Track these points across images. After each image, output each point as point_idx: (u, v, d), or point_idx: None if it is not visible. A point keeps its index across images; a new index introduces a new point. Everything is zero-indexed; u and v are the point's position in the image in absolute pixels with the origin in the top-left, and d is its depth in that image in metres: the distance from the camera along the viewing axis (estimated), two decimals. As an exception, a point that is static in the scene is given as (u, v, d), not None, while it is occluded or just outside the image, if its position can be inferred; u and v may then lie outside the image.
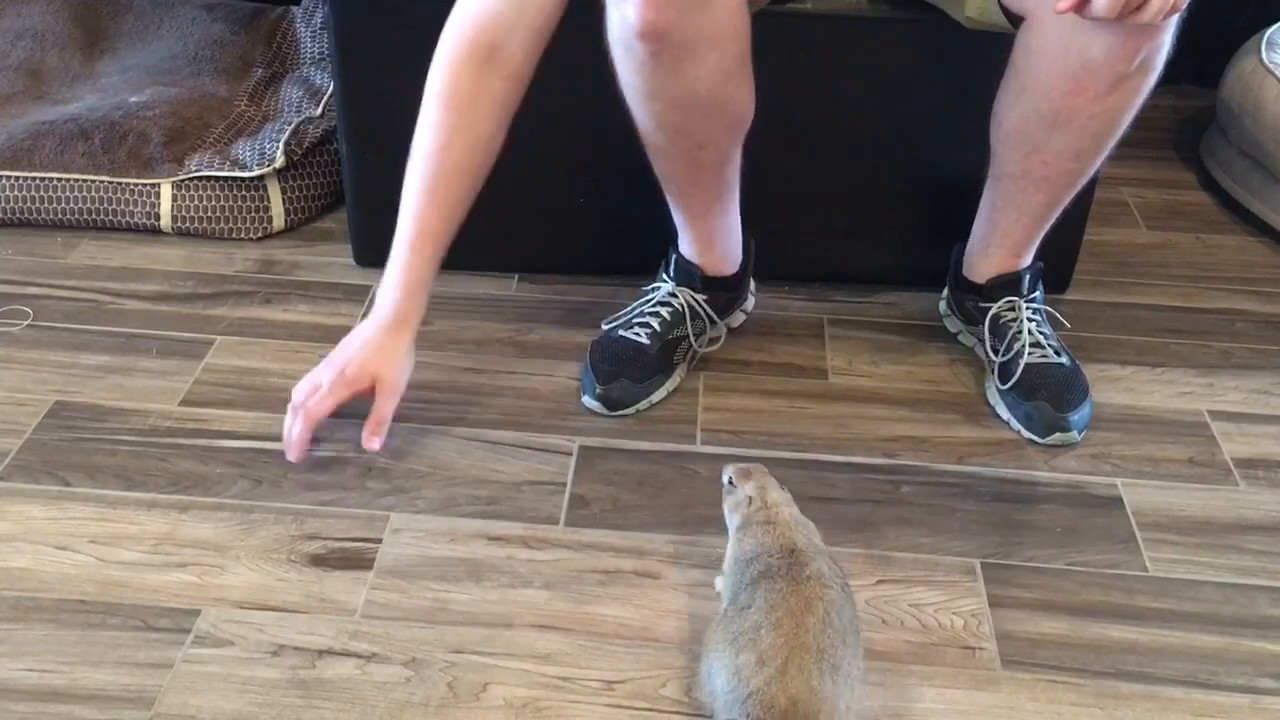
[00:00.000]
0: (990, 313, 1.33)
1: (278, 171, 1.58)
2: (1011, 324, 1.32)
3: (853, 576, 1.10)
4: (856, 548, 1.14)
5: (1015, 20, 1.16)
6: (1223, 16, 1.99)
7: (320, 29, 1.90)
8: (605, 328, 1.36)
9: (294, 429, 1.17)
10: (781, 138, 1.40)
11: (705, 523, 1.16)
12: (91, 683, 0.97)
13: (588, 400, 1.30)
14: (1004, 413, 1.30)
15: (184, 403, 1.29)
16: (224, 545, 1.11)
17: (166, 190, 1.57)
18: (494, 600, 1.07)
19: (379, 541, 1.12)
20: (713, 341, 1.38)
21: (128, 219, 1.58)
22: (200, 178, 1.57)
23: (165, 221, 1.57)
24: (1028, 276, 1.32)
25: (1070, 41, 1.07)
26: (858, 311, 1.48)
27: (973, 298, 1.36)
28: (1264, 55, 1.69)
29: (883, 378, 1.37)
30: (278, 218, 1.60)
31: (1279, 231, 1.65)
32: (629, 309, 1.36)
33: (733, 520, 1.03)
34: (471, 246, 1.54)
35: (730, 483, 1.04)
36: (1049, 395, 1.27)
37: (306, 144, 1.61)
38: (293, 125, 1.63)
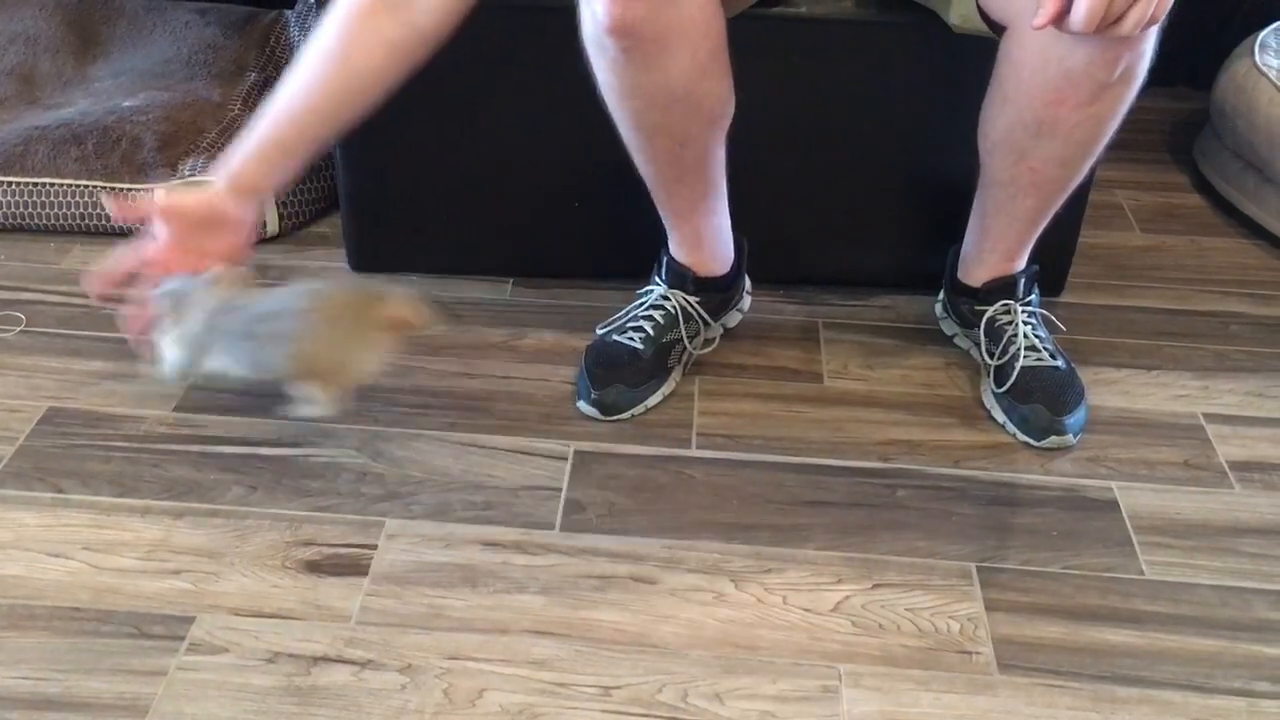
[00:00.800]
0: (985, 316, 1.33)
1: (271, 176, 1.57)
2: (1007, 327, 1.32)
3: (849, 581, 1.10)
4: (853, 552, 1.14)
5: (997, 29, 1.16)
6: (1216, 19, 1.99)
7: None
8: (599, 332, 1.36)
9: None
10: (776, 141, 1.40)
11: (702, 527, 1.16)
12: (85, 691, 0.97)
13: (583, 405, 1.30)
14: (999, 416, 1.30)
15: (178, 409, 1.28)
16: (218, 552, 1.11)
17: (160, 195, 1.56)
18: (489, 606, 1.06)
19: (374, 547, 1.12)
20: (708, 343, 1.38)
21: (120, 224, 1.57)
22: (194, 183, 1.56)
23: (159, 226, 1.57)
24: (1023, 280, 1.32)
25: (1050, 51, 1.07)
26: (853, 315, 1.48)
27: (968, 301, 1.36)
28: (1257, 58, 1.69)
29: (878, 381, 1.37)
30: (271, 223, 1.59)
31: (1273, 234, 1.65)
32: (622, 313, 1.36)
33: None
34: (466, 250, 1.55)
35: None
36: (1044, 399, 1.27)
37: (300, 148, 1.61)
38: (286, 129, 1.62)
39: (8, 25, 1.91)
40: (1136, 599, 1.09)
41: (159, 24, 1.93)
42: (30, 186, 1.57)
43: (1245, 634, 1.06)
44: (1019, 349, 1.29)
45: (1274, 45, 1.72)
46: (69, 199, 1.57)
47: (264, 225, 1.59)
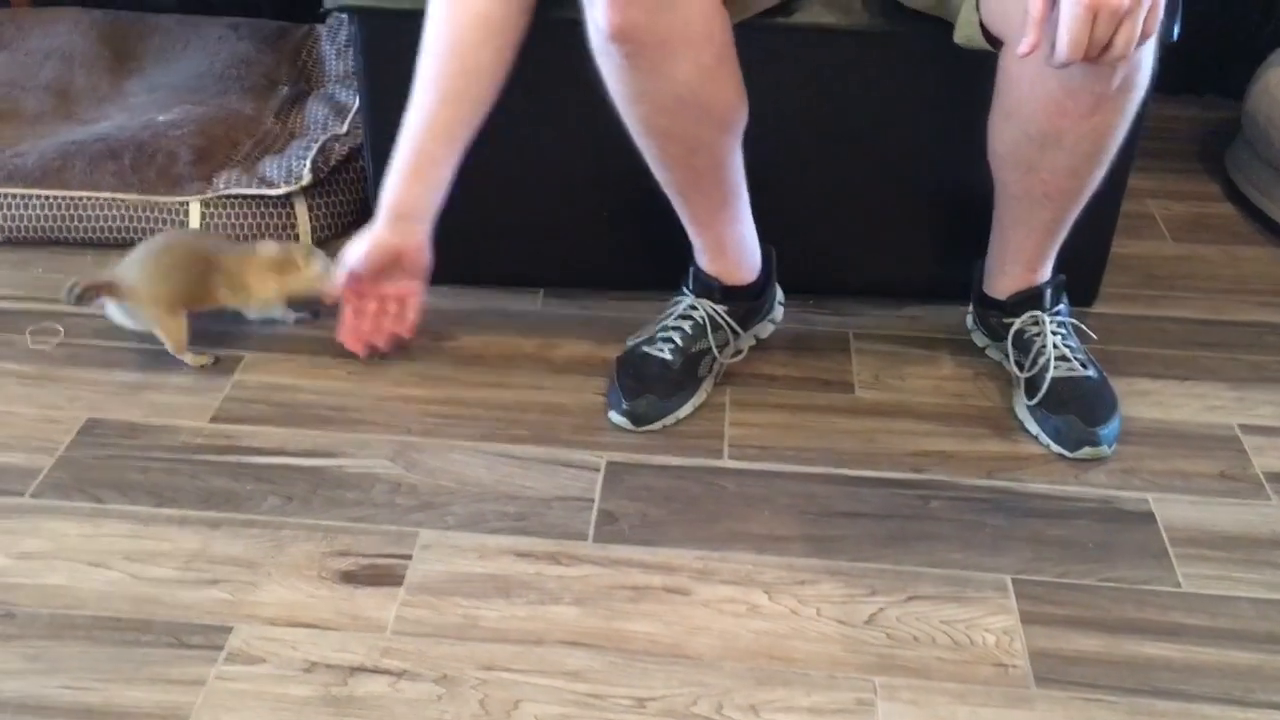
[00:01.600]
0: (1013, 328, 1.33)
1: (304, 189, 1.59)
2: (1036, 338, 1.31)
3: (883, 593, 1.10)
4: (886, 564, 1.13)
5: (996, 44, 1.15)
6: (1247, 27, 1.98)
7: (345, 46, 1.91)
8: (630, 343, 1.36)
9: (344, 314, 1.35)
10: (803, 151, 1.40)
11: (734, 538, 1.16)
12: (125, 700, 0.98)
13: (614, 416, 1.30)
14: (1032, 427, 1.29)
15: (214, 419, 1.29)
16: (255, 562, 1.12)
17: (195, 209, 1.58)
18: (524, 617, 1.07)
19: (409, 558, 1.12)
20: (738, 354, 1.38)
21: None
22: (228, 196, 1.58)
23: (193, 239, 1.58)
24: (1049, 290, 1.32)
25: (1047, 65, 1.07)
26: (883, 325, 1.48)
27: (996, 313, 1.36)
28: (1290, 66, 1.68)
29: (910, 392, 1.37)
30: (304, 235, 1.61)
31: (1307, 243, 1.64)
32: (652, 324, 1.36)
33: None
34: (497, 262, 1.55)
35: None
36: (1077, 409, 1.26)
37: (333, 161, 1.62)
38: (319, 143, 1.64)
39: (44, 42, 1.94)
40: (1174, 612, 1.08)
41: (193, 39, 1.96)
42: (68, 200, 1.59)
43: (1285, 647, 1.05)
44: (1049, 359, 1.29)
45: (1307, 53, 1.71)
46: (106, 213, 1.59)
47: (297, 237, 1.60)
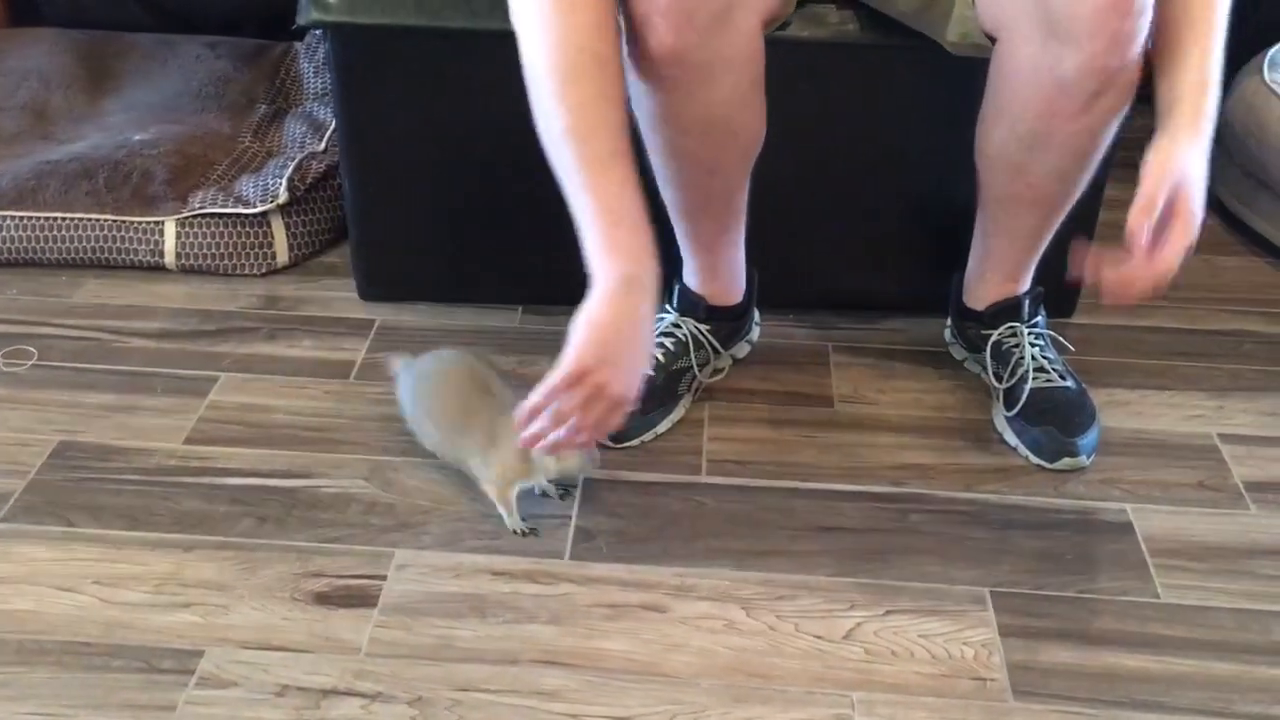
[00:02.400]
0: (992, 339, 1.33)
1: (281, 207, 1.58)
2: (1014, 350, 1.31)
3: (862, 607, 1.09)
4: (865, 578, 1.13)
5: (990, 39, 1.16)
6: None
7: (323, 64, 1.91)
8: (609, 359, 1.36)
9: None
10: (783, 166, 1.39)
11: (713, 555, 1.15)
12: (95, 726, 0.97)
13: (593, 432, 1.29)
14: (1011, 439, 1.29)
15: (188, 440, 1.28)
16: (228, 584, 1.10)
17: (170, 228, 1.57)
18: (499, 636, 1.06)
19: (383, 579, 1.11)
20: (717, 372, 1.38)
21: (132, 257, 1.58)
22: (204, 215, 1.58)
23: (170, 259, 1.58)
24: (1027, 302, 1.32)
25: (1041, 61, 1.07)
26: (863, 339, 1.48)
27: (974, 325, 1.36)
28: (1266, 75, 1.68)
29: (889, 405, 1.36)
30: (281, 253, 1.60)
31: (1286, 251, 1.64)
32: (633, 340, 1.36)
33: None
34: (474, 279, 1.55)
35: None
36: (1056, 420, 1.26)
37: (310, 179, 1.62)
38: (296, 161, 1.63)
39: (21, 62, 1.93)
40: (1153, 623, 1.08)
41: (170, 58, 1.95)
42: (42, 221, 1.58)
43: (1263, 658, 1.04)
44: (1027, 371, 1.29)
45: (1282, 62, 1.72)
46: (80, 233, 1.58)
47: (274, 256, 1.59)
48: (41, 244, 1.58)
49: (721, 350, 1.36)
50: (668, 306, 1.36)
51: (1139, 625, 1.08)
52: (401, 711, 0.98)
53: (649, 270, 1.01)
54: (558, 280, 1.54)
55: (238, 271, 1.59)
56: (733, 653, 1.05)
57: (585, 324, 1.00)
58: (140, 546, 1.14)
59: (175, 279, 1.58)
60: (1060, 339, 1.36)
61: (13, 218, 1.57)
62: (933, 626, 1.07)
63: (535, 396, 1.01)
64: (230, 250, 1.58)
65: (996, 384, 1.32)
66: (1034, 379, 1.28)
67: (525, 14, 1.00)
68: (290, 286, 1.58)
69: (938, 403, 1.37)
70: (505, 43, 1.04)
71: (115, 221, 1.57)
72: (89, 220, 1.58)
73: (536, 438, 1.03)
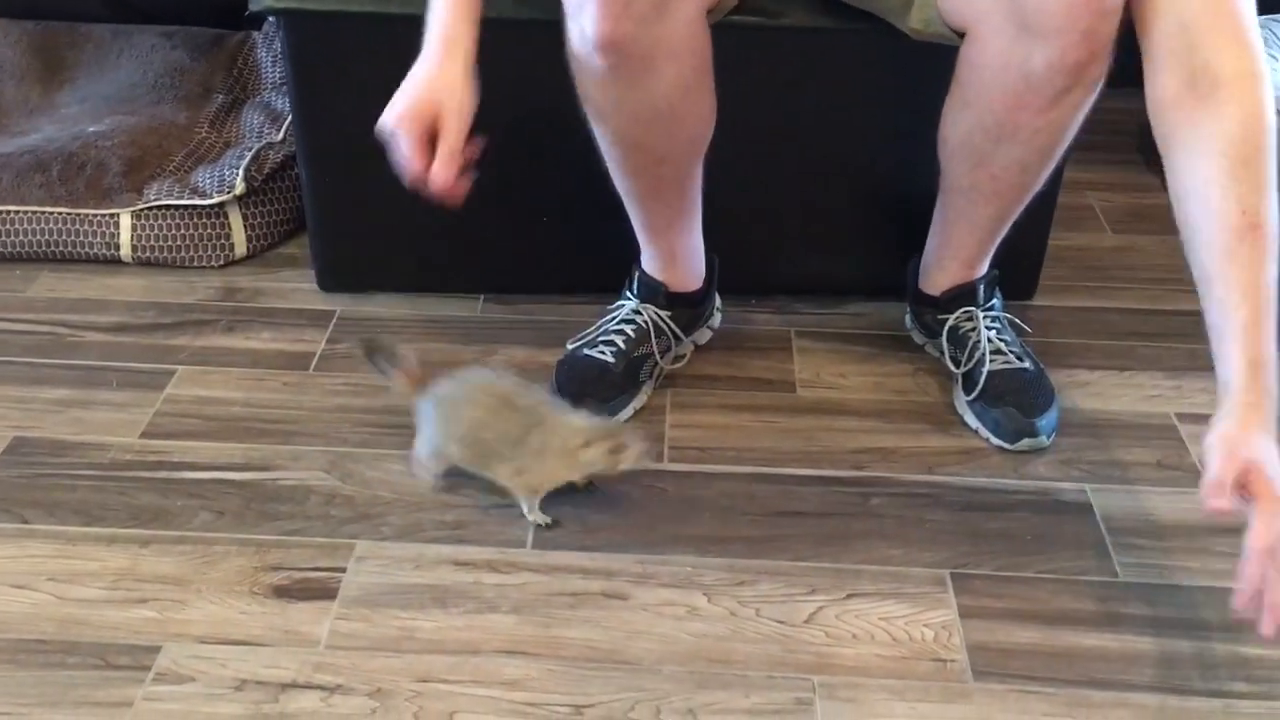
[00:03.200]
0: (948, 324, 1.33)
1: (239, 198, 1.57)
2: (970, 334, 1.31)
3: (822, 591, 1.10)
4: (827, 562, 1.13)
5: (958, 33, 1.16)
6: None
7: (280, 53, 1.89)
8: (570, 347, 1.35)
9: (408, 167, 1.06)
10: (743, 151, 1.39)
11: (674, 541, 1.15)
12: (50, 724, 0.95)
13: (554, 420, 1.29)
14: (972, 421, 1.30)
15: (145, 435, 1.27)
16: (185, 579, 1.09)
17: (126, 220, 1.55)
18: (460, 627, 1.05)
19: (343, 570, 1.11)
20: (679, 359, 1.38)
21: (87, 250, 1.56)
22: (160, 206, 1.56)
23: (125, 251, 1.56)
24: (982, 286, 1.32)
25: (1011, 56, 1.07)
26: (824, 323, 1.48)
27: (931, 310, 1.36)
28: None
29: (850, 389, 1.36)
30: (239, 245, 1.58)
31: (1243, 232, 1.65)
32: (593, 328, 1.35)
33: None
34: (436, 268, 1.54)
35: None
36: (1015, 401, 1.26)
37: (268, 170, 1.60)
38: (253, 151, 1.62)
39: (-27, 53, 1.90)
40: (1111, 602, 1.09)
41: (125, 49, 1.92)
42: (-6, 215, 1.55)
43: (1221, 634, 1.05)
44: (984, 354, 1.29)
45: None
46: (34, 226, 1.55)
47: (231, 247, 1.58)
48: (-6, 238, 1.56)
49: (683, 336, 1.36)
50: (628, 294, 1.36)
51: (1098, 604, 1.08)
52: (361, 703, 0.98)
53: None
54: (520, 269, 1.54)
55: (195, 264, 1.57)
56: (694, 639, 1.05)
57: None
58: (96, 542, 1.13)
59: (131, 272, 1.56)
60: (1018, 321, 1.37)
61: (-36, 212, 1.55)
62: (893, 609, 1.08)
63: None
64: (187, 242, 1.56)
65: (955, 368, 1.33)
66: (991, 361, 1.29)
67: None
68: (249, 278, 1.56)
69: (899, 386, 1.37)
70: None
71: (70, 214, 1.55)
72: (43, 213, 1.55)
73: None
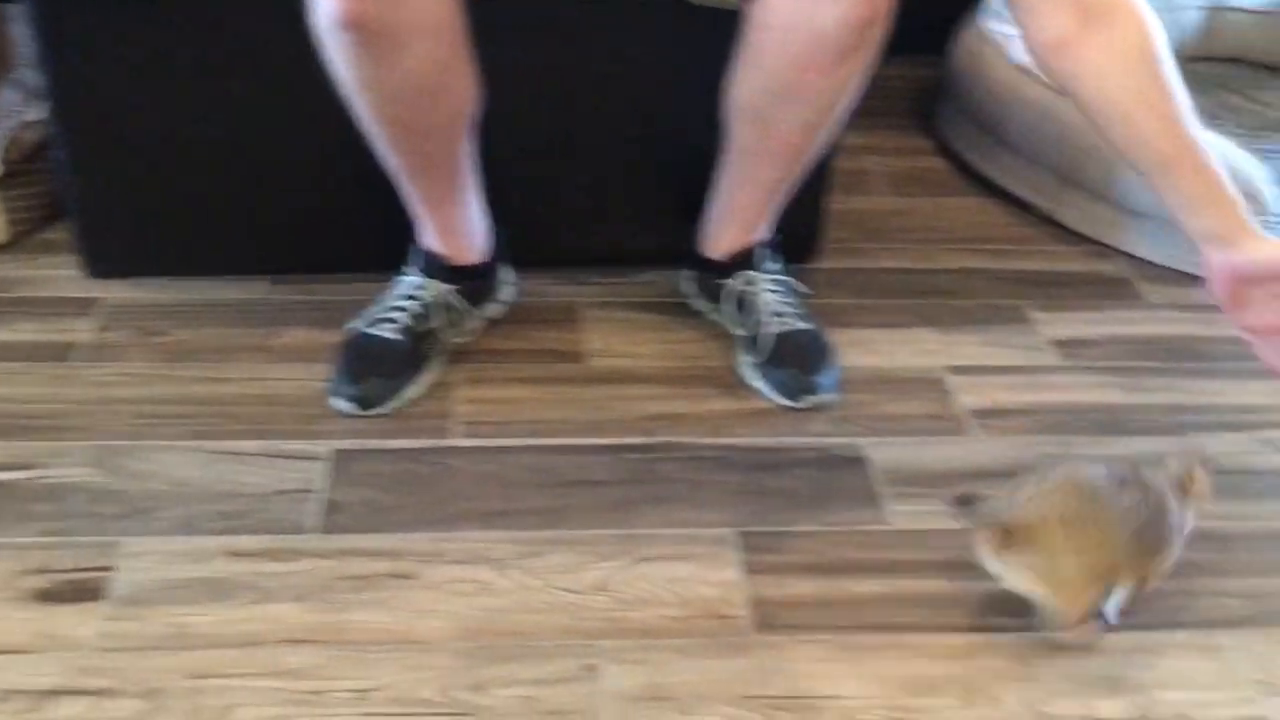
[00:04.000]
0: (728, 288, 1.36)
1: (-7, 181, 1.47)
2: (752, 297, 1.34)
3: (611, 558, 1.11)
4: (616, 529, 1.14)
5: None
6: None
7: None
8: (353, 327, 1.32)
9: None
10: (522, 122, 1.39)
11: (464, 517, 1.14)
12: None
13: (339, 402, 1.26)
14: (756, 383, 1.33)
15: (-111, 439, 1.18)
16: (-64, 590, 1.03)
17: None
18: (240, 619, 1.02)
19: (113, 569, 1.06)
20: (467, 333, 1.36)
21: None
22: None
23: None
24: (764, 249, 1.36)
25: (798, 15, 1.10)
26: (614, 293, 1.49)
27: (711, 275, 1.39)
28: (985, 23, 1.77)
29: (640, 357, 1.38)
30: (2, 230, 1.49)
31: (1008, 192, 1.74)
32: (376, 305, 1.33)
33: None
34: (215, 249, 1.47)
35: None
36: (797, 361, 1.30)
37: (25, 149, 1.50)
38: (9, 131, 1.51)
39: None
40: (884, 549, 1.14)
41: None
42: None
43: (982, 576, 1.11)
44: (765, 316, 1.32)
45: (999, 10, 1.81)
46: None
47: (-13, 234, 1.48)
48: None
49: (471, 310, 1.35)
50: (409, 269, 1.33)
51: (872, 553, 1.13)
52: (133, 705, 0.94)
53: None
54: (303, 248, 1.49)
55: (-54, 253, 1.47)
56: (483, 614, 1.04)
57: None
58: None
59: (-127, 264, 1.45)
60: (797, 283, 1.41)
61: None
62: (681, 571, 1.10)
63: None
64: (-64, 230, 1.45)
65: (738, 331, 1.36)
66: (772, 323, 1.32)
67: None
68: (9, 266, 1.47)
69: (688, 352, 1.39)
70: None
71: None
72: None
73: None
